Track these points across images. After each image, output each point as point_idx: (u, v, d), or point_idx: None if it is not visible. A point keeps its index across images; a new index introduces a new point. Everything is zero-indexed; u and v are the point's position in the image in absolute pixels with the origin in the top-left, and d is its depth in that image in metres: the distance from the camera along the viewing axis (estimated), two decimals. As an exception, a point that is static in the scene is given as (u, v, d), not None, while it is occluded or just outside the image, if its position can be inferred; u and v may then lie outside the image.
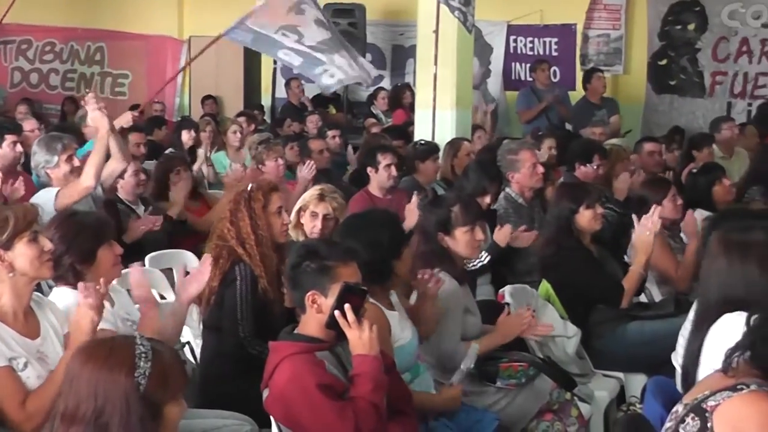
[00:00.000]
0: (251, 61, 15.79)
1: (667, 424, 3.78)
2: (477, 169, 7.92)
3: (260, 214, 5.36)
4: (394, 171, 8.32)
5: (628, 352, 6.24)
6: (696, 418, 3.66)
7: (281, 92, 15.46)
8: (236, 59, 15.70)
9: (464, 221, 5.31)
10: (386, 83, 15.34)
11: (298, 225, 6.16)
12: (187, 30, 16.02)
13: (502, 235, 6.92)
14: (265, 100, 15.88)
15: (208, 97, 15.29)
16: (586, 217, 6.48)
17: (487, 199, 7.63)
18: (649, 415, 4.13)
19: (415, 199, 7.32)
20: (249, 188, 5.44)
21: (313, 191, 6.26)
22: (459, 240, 5.30)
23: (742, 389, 3.59)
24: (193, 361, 5.43)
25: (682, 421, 3.70)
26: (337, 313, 4.03)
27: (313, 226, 6.12)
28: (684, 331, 4.86)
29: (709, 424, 3.60)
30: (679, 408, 3.77)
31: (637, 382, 6.18)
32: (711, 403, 3.62)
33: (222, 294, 5.23)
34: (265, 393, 4.15)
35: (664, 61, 14.31)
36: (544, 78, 13.34)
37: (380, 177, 8.33)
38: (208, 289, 5.15)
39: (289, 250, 5.07)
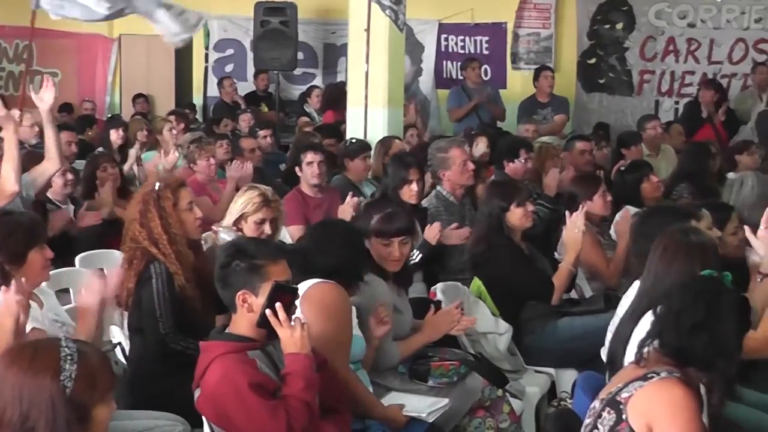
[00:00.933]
0: (182, 59, 15.70)
1: (587, 421, 3.82)
2: (393, 164, 7.90)
3: (171, 212, 5.30)
4: (317, 169, 8.24)
5: (559, 348, 6.28)
6: (612, 412, 3.70)
7: (213, 91, 15.36)
8: (167, 57, 15.59)
9: (382, 235, 5.27)
10: (318, 81, 15.32)
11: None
12: (117, 28, 15.84)
13: (431, 233, 6.92)
14: (197, 99, 15.76)
15: (139, 95, 15.15)
16: (516, 215, 6.51)
17: (413, 187, 7.56)
18: (579, 410, 4.17)
19: (349, 199, 7.28)
20: (156, 187, 5.36)
21: (254, 198, 5.93)
22: (378, 251, 5.27)
23: (652, 378, 3.64)
24: (124, 361, 5.37)
25: (599, 416, 3.74)
26: (268, 311, 4.00)
27: (260, 233, 5.85)
28: (612, 326, 4.90)
29: (624, 416, 3.65)
30: (596, 403, 3.81)
31: (567, 378, 6.23)
32: (624, 395, 3.67)
33: (139, 294, 5.18)
34: (197, 393, 4.12)
35: (593, 60, 14.42)
36: (474, 76, 13.35)
37: (305, 175, 8.30)
38: (126, 291, 5.14)
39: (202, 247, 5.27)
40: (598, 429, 3.74)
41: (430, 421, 4.86)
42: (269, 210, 5.89)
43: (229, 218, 5.91)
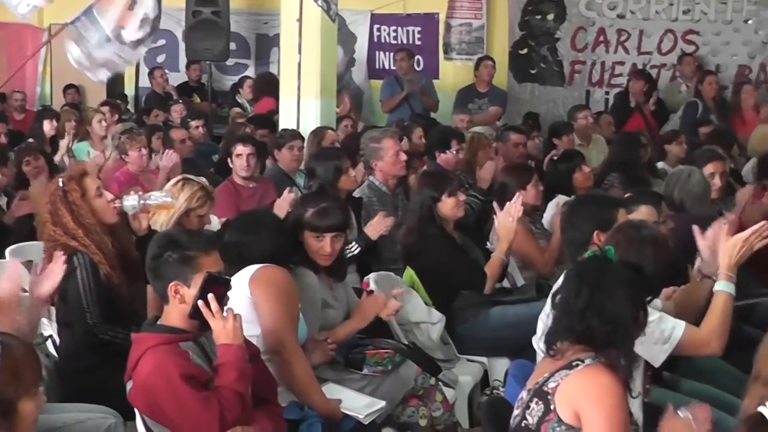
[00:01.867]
0: (114, 49, 15.53)
1: (515, 411, 3.84)
2: (321, 158, 7.87)
3: (81, 203, 5.25)
4: (245, 162, 8.29)
5: (491, 337, 6.32)
6: (540, 402, 3.73)
7: (145, 81, 15.22)
8: (99, 48, 15.41)
9: (314, 229, 5.25)
10: (251, 72, 15.25)
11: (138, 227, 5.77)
12: (47, 18, 15.62)
13: (372, 229, 6.88)
14: (129, 90, 15.59)
15: (70, 86, 14.94)
16: (448, 205, 6.52)
17: (352, 174, 7.61)
18: (511, 398, 4.18)
19: (286, 194, 7.26)
20: (60, 183, 5.30)
21: (197, 192, 5.93)
22: (310, 244, 5.26)
23: (577, 365, 3.68)
24: (56, 354, 5.33)
25: (527, 407, 3.77)
26: (200, 303, 4.00)
27: (202, 226, 5.92)
28: (543, 315, 4.94)
29: (552, 406, 3.68)
30: (523, 394, 3.84)
31: (500, 366, 6.27)
32: (551, 384, 3.70)
33: (64, 287, 5.10)
34: (129, 385, 4.10)
35: (524, 51, 14.47)
36: (406, 67, 13.37)
37: (235, 167, 8.34)
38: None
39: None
40: (526, 419, 3.76)
41: (366, 423, 4.89)
42: (212, 203, 5.99)
43: (174, 215, 5.85)
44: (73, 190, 5.25)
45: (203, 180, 6.09)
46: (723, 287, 4.68)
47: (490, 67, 13.17)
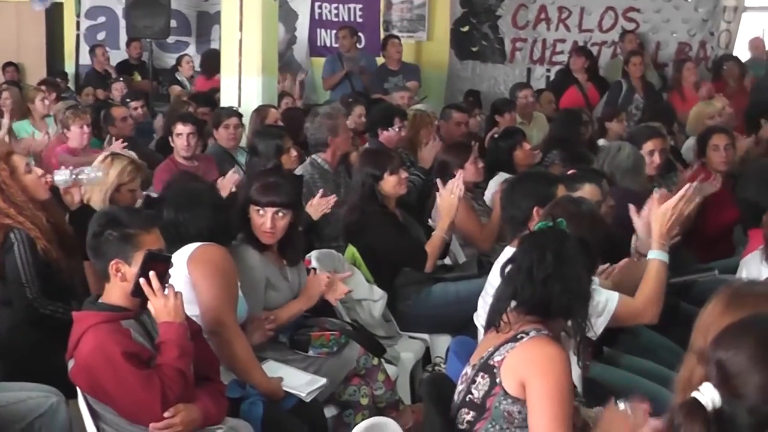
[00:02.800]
0: (53, 26, 15.41)
1: (459, 387, 3.87)
2: (263, 136, 7.92)
3: (10, 182, 5.22)
4: (185, 141, 8.27)
5: (433, 314, 6.35)
6: (485, 376, 3.75)
7: (85, 59, 15.08)
8: (38, 25, 15.29)
9: (256, 203, 5.23)
10: (191, 50, 15.15)
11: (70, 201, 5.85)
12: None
13: (313, 209, 6.87)
14: (69, 67, 15.45)
15: (9, 64, 14.78)
16: (390, 183, 6.51)
17: (292, 154, 7.67)
18: (452, 374, 4.22)
19: (229, 175, 7.25)
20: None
21: (127, 167, 6.00)
22: (254, 220, 5.24)
23: (522, 338, 3.71)
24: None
25: (473, 381, 3.79)
26: (142, 281, 4.00)
27: (134, 201, 6.00)
28: (484, 292, 4.98)
29: (497, 380, 3.71)
30: (467, 370, 3.86)
31: (441, 343, 6.30)
32: (497, 358, 3.73)
33: (2, 264, 5.11)
34: (71, 363, 4.09)
35: (466, 28, 14.48)
36: (349, 44, 13.37)
37: (176, 146, 8.33)
38: None
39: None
40: (472, 394, 3.79)
41: (308, 400, 4.92)
42: (142, 177, 6.06)
43: (106, 191, 5.87)
44: (1, 169, 5.21)
45: (132, 154, 6.11)
46: (656, 255, 4.74)
47: (397, 45, 13.25)
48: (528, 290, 3.80)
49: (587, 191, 5.72)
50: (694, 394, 2.68)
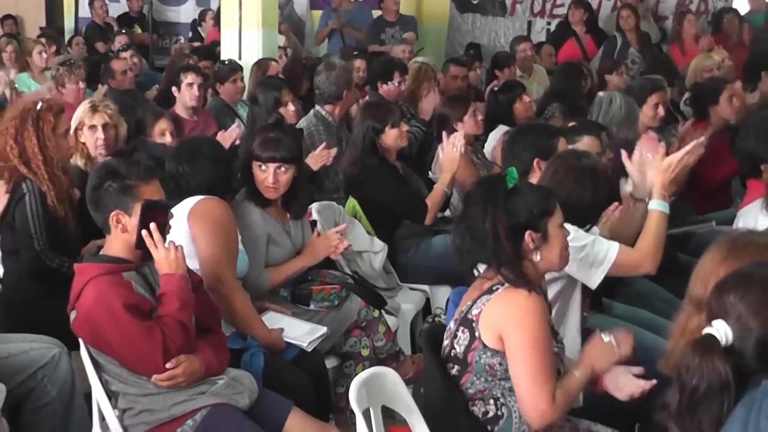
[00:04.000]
0: (53, -22, 15.29)
1: (444, 342, 3.88)
2: (263, 88, 7.94)
3: (49, 135, 5.24)
4: (196, 91, 8.26)
5: (433, 265, 6.35)
6: (465, 331, 3.77)
7: (85, 11, 14.97)
8: (36, -24, 15.17)
9: (257, 158, 5.22)
10: (191, 4, 15.03)
11: (78, 146, 6.00)
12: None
13: (313, 160, 6.86)
14: (68, 20, 15.33)
15: (7, 16, 14.69)
16: (391, 136, 6.51)
17: (290, 108, 7.68)
18: (452, 325, 4.22)
19: (233, 128, 7.25)
20: (38, 107, 5.28)
21: (83, 106, 6.15)
22: (257, 175, 5.23)
23: (497, 289, 3.71)
24: (-1, 286, 5.33)
25: (455, 336, 3.81)
26: (144, 233, 3.99)
27: (96, 139, 6.03)
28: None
29: (476, 333, 3.72)
30: (451, 324, 3.87)
31: (441, 294, 6.30)
32: (474, 312, 3.74)
33: (12, 214, 5.13)
34: (72, 315, 4.09)
35: (467, -19, 14.41)
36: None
37: (183, 96, 8.28)
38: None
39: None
40: (455, 349, 3.81)
41: (309, 350, 4.95)
42: (100, 115, 6.05)
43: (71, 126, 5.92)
44: (47, 120, 5.24)
45: (100, 97, 6.25)
46: (657, 206, 4.72)
47: None
48: (477, 246, 3.80)
49: (586, 143, 5.71)
50: (707, 330, 2.73)
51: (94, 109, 6.10)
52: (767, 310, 2.72)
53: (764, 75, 9.32)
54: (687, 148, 4.77)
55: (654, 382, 3.63)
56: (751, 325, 2.72)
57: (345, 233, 5.65)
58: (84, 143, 6.04)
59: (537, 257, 3.78)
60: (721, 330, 2.73)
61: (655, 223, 4.69)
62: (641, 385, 3.72)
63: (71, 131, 5.73)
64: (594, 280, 4.60)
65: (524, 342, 3.64)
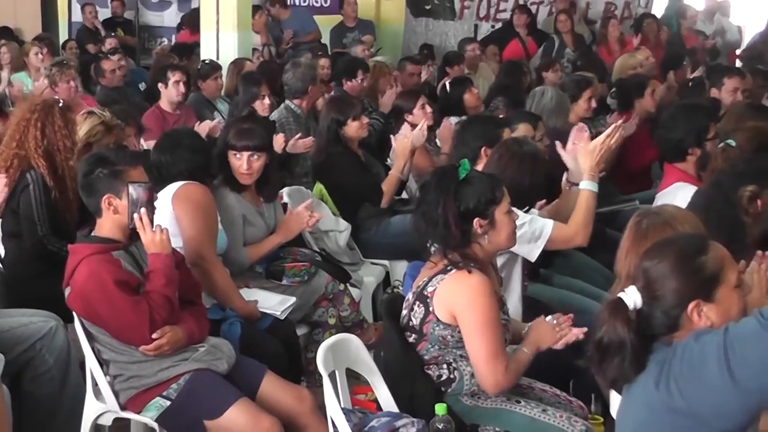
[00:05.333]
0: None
1: (403, 312, 3.87)
2: (244, 82, 7.93)
3: (73, 129, 5.22)
4: (182, 87, 8.21)
5: (392, 242, 6.33)
6: (421, 305, 3.76)
7: (77, 16, 14.77)
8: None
9: (232, 148, 5.18)
10: (174, 8, 14.86)
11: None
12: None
13: (276, 143, 6.84)
14: (63, 24, 15.09)
15: (6, 29, 14.35)
16: (353, 128, 6.54)
17: (266, 101, 7.63)
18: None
19: (208, 122, 7.22)
20: (60, 102, 5.21)
21: (96, 126, 5.58)
22: (232, 163, 5.19)
23: (450, 270, 3.69)
24: (0, 265, 5.24)
25: (412, 309, 3.80)
26: (136, 216, 3.97)
27: None
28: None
29: (431, 308, 3.72)
30: (409, 296, 3.87)
31: (399, 268, 6.29)
32: (430, 289, 3.73)
33: (17, 201, 5.07)
34: (67, 291, 4.06)
35: (420, -13, 14.36)
36: (278, 12, 13.15)
37: (170, 92, 8.22)
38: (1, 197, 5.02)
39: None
40: (412, 320, 3.81)
41: (282, 318, 4.95)
42: (111, 136, 5.62)
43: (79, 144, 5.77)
44: (68, 117, 5.21)
45: (107, 115, 5.86)
46: (586, 186, 4.72)
47: (352, 4, 13.15)
48: (431, 229, 3.80)
49: (522, 130, 5.82)
50: (620, 294, 2.78)
51: (109, 130, 5.64)
52: (674, 279, 2.75)
53: (671, 73, 9.65)
54: (607, 132, 4.76)
55: (584, 329, 3.66)
56: (659, 292, 2.76)
57: (312, 207, 5.62)
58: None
59: (485, 241, 3.77)
60: (632, 295, 2.78)
61: (585, 200, 4.69)
62: (575, 333, 3.76)
63: (82, 145, 5.62)
64: (533, 254, 4.61)
65: (477, 321, 3.64)
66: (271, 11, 13.12)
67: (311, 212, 5.45)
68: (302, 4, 13.99)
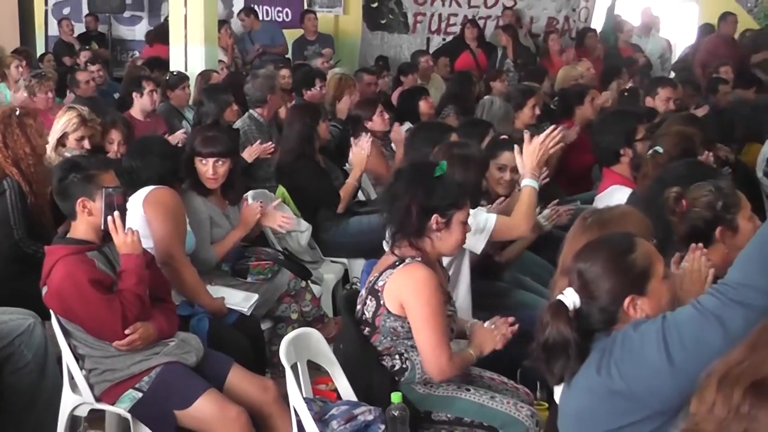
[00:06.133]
0: (24, 3, 14.88)
1: (357, 307, 3.87)
2: (209, 94, 7.87)
3: (34, 135, 5.18)
4: (155, 96, 8.18)
5: (350, 241, 6.34)
6: (372, 299, 3.77)
7: (53, 30, 14.68)
8: (11, 2, 14.74)
9: (198, 154, 5.15)
10: (144, 23, 14.79)
11: (57, 149, 5.81)
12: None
13: (247, 153, 6.80)
14: (39, 37, 14.94)
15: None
16: (323, 129, 6.65)
17: (234, 107, 7.63)
18: (365, 292, 4.21)
19: (178, 133, 7.19)
20: (17, 112, 5.16)
21: (73, 118, 5.88)
22: (198, 169, 5.16)
23: (398, 265, 3.72)
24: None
25: (365, 303, 3.81)
26: (109, 219, 3.95)
27: (81, 148, 5.88)
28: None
29: (382, 302, 3.72)
30: (363, 291, 3.87)
31: (357, 265, 6.27)
32: (380, 283, 3.74)
33: None
34: (44, 290, 4.03)
35: (375, 4, 14.28)
36: (249, 24, 13.15)
37: (144, 101, 8.15)
38: None
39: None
40: (365, 314, 3.81)
41: (248, 314, 4.95)
42: (87, 128, 5.84)
43: (53, 136, 5.79)
44: (29, 123, 5.16)
45: (85, 109, 5.97)
46: (528, 183, 4.73)
47: (312, 19, 13.16)
48: (395, 217, 3.82)
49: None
50: (559, 296, 2.79)
51: (83, 122, 5.88)
52: (608, 279, 2.77)
53: (614, 83, 9.69)
54: (545, 133, 4.78)
55: (515, 328, 3.82)
56: (595, 292, 2.78)
57: (279, 208, 5.67)
58: (65, 146, 5.87)
59: (437, 238, 3.78)
60: (570, 297, 2.80)
61: (526, 195, 4.71)
62: (505, 333, 3.84)
63: (58, 136, 5.66)
64: (478, 246, 4.62)
65: (423, 311, 3.66)
66: (245, 22, 13.12)
67: (282, 214, 5.49)
68: (267, 18, 13.94)
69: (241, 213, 5.41)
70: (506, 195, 5.34)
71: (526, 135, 4.85)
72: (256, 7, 14.02)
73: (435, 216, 3.75)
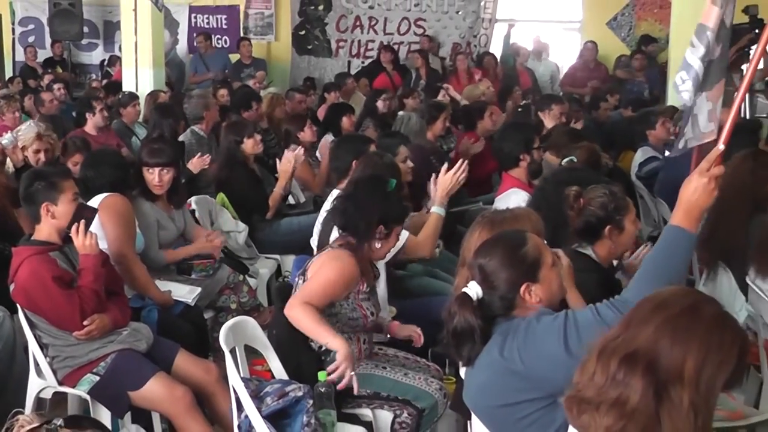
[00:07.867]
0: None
1: (294, 292, 3.87)
2: (158, 112, 7.80)
3: None
4: (105, 113, 8.09)
5: (282, 240, 6.30)
6: (302, 278, 3.82)
7: (19, 56, 14.41)
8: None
9: (146, 163, 5.09)
10: (100, 50, 14.58)
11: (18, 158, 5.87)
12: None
13: (193, 165, 6.73)
14: (8, 62, 14.65)
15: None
16: (249, 145, 6.47)
17: (182, 123, 7.61)
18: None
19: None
20: None
21: (30, 133, 5.93)
22: (146, 177, 5.10)
23: (326, 250, 3.80)
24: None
25: (295, 290, 3.82)
26: (74, 227, 3.93)
27: (37, 159, 5.88)
28: (317, 222, 4.97)
29: (307, 277, 3.77)
30: (298, 281, 3.87)
31: (289, 261, 6.24)
32: (309, 266, 3.79)
33: None
34: (12, 286, 3.98)
35: (303, 32, 14.26)
36: (204, 46, 13.13)
37: (96, 119, 8.03)
38: None
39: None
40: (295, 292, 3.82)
41: (192, 305, 4.92)
42: (42, 143, 5.90)
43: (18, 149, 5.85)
44: None
45: (41, 124, 6.17)
46: (436, 210, 4.80)
47: (247, 45, 13.03)
48: (339, 211, 3.88)
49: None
50: (464, 289, 2.81)
51: (39, 137, 5.92)
52: (505, 270, 2.80)
53: (509, 101, 9.78)
54: (456, 167, 4.83)
55: (419, 329, 4.03)
56: (495, 283, 2.80)
57: (213, 215, 5.70)
58: (26, 157, 5.89)
59: (376, 245, 3.83)
60: (473, 289, 2.81)
61: (433, 222, 4.76)
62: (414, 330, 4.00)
63: (18, 147, 5.77)
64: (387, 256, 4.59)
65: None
66: (200, 47, 13.06)
67: (219, 236, 5.44)
68: (217, 45, 13.84)
69: (201, 243, 5.31)
70: (410, 182, 5.42)
71: (443, 168, 4.89)
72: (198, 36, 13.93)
73: (380, 226, 3.78)
